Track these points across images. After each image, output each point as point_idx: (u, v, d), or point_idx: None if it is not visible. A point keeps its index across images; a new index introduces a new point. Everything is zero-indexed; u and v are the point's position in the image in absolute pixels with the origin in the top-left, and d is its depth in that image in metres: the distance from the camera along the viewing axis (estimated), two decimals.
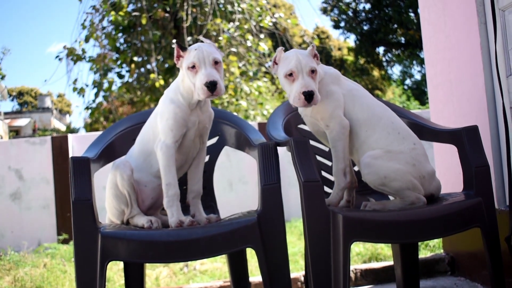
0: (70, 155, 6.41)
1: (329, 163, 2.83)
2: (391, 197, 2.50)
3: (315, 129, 2.49)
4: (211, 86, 2.19)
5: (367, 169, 2.27)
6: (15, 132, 30.09)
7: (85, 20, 11.33)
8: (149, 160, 2.44)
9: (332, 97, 2.39)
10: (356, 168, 2.66)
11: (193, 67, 2.26)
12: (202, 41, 2.44)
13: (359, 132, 2.37)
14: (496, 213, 2.31)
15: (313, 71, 2.29)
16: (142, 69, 11.49)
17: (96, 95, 11.18)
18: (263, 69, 12.35)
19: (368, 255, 3.90)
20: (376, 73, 28.49)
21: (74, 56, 11.05)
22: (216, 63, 2.28)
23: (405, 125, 2.42)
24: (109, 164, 2.66)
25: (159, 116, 2.40)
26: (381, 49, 28.46)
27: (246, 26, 11.79)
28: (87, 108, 11.44)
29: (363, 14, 27.24)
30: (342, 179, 2.38)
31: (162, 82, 10.47)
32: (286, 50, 2.55)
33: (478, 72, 2.94)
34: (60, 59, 11.15)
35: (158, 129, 2.39)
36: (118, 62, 11.54)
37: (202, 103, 2.41)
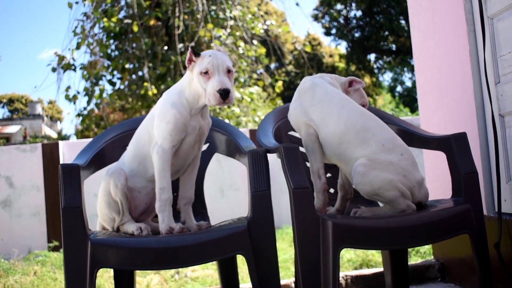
0: (61, 162, 6.38)
1: None
2: (380, 204, 2.51)
3: None
4: (224, 94, 2.20)
5: (361, 178, 2.24)
6: (6, 139, 29.92)
7: (76, 27, 11.29)
8: (144, 164, 2.43)
9: (296, 111, 2.50)
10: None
11: (206, 72, 2.26)
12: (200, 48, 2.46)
13: (336, 144, 2.35)
14: (485, 219, 2.33)
15: (229, 71, 2.30)
16: (134, 76, 11.48)
17: (88, 102, 11.15)
18: (255, 75, 12.38)
19: (359, 262, 3.90)
20: (367, 80, 28.58)
21: (65, 65, 11.02)
22: (228, 71, 2.29)
23: (392, 135, 2.36)
24: (100, 171, 2.65)
25: (157, 118, 2.37)
26: (372, 56, 28.61)
27: (238, 33, 11.81)
28: (78, 115, 11.41)
29: (354, 21, 27.36)
30: (317, 181, 2.41)
31: (155, 91, 10.47)
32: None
33: (467, 79, 2.96)
34: (53, 70, 11.11)
35: (155, 132, 2.37)
36: (110, 69, 11.52)
37: (204, 110, 2.42)
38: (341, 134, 2.33)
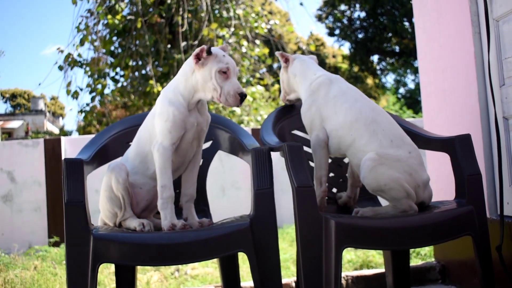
0: (63, 157, 6.36)
1: None
2: (383, 204, 2.51)
3: None
4: (242, 97, 2.27)
5: (368, 173, 2.27)
6: (8, 134, 29.94)
7: (80, 24, 11.27)
8: (145, 162, 2.44)
9: (311, 110, 2.51)
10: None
11: (225, 72, 2.29)
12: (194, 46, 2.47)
13: (345, 134, 2.39)
14: (487, 221, 2.32)
15: None
16: (136, 74, 11.46)
17: (93, 99, 11.13)
18: (257, 75, 12.37)
19: (359, 263, 3.90)
20: (370, 81, 28.58)
21: (71, 63, 11.00)
22: None
23: (401, 133, 2.40)
24: (102, 167, 2.65)
25: (157, 117, 2.39)
26: (375, 57, 28.58)
27: (241, 32, 11.80)
28: (81, 111, 11.39)
29: (358, 22, 27.35)
30: (318, 187, 2.47)
31: (160, 88, 10.46)
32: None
33: (472, 81, 2.95)
34: (60, 68, 11.08)
35: (156, 130, 2.39)
36: (112, 66, 11.50)
37: (199, 105, 2.43)
38: (350, 123, 2.38)
